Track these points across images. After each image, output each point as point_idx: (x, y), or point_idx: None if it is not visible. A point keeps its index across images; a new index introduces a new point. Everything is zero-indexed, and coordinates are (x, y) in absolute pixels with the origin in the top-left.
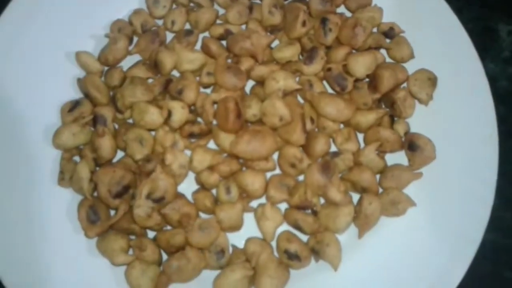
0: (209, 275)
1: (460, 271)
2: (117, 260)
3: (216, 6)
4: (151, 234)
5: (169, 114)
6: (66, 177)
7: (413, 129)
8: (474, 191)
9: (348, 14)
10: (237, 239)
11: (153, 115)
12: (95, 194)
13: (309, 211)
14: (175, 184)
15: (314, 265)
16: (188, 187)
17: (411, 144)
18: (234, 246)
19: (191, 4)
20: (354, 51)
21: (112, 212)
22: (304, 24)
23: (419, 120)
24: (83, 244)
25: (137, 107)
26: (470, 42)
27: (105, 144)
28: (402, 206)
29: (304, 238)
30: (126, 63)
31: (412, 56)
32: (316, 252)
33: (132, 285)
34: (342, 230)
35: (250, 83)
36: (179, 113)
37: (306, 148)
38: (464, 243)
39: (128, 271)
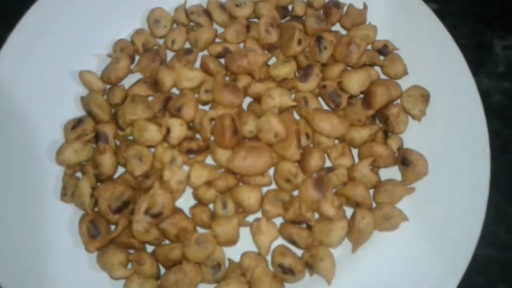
0: None
1: (452, 285)
2: (116, 274)
3: (215, 25)
4: (149, 248)
5: (168, 131)
6: (68, 192)
7: (406, 144)
8: (466, 205)
9: (343, 32)
10: (233, 252)
11: (152, 132)
12: (96, 209)
13: (304, 225)
14: (172, 200)
15: (308, 279)
16: (185, 202)
17: (403, 160)
18: (230, 260)
19: (191, 24)
20: (348, 68)
21: (113, 227)
22: (299, 42)
23: (412, 135)
24: (83, 258)
25: (137, 124)
26: (463, 59)
27: (106, 160)
28: (395, 221)
29: (299, 252)
30: (128, 81)
31: (405, 72)
32: (310, 266)
33: None
34: (336, 244)
35: (247, 100)
36: (178, 130)
37: (301, 163)
38: (456, 256)
39: (126, 285)
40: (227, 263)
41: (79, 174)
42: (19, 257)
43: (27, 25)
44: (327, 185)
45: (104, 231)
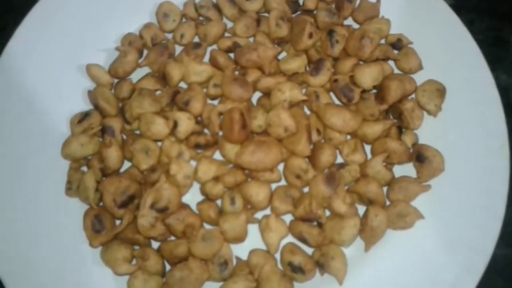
0: (211, 286)
1: (470, 286)
2: (119, 269)
3: (224, 20)
4: (155, 245)
5: (176, 124)
6: (73, 186)
7: (421, 141)
8: (484, 203)
9: (356, 26)
10: (241, 250)
11: (159, 126)
12: (101, 204)
13: (315, 223)
14: (179, 194)
15: (319, 279)
16: (192, 198)
17: (419, 156)
18: (238, 258)
19: (200, 18)
20: (361, 62)
21: (118, 223)
22: (310, 36)
23: (428, 131)
24: (87, 253)
25: (143, 118)
26: (480, 52)
27: (112, 154)
28: (410, 219)
29: (309, 251)
30: (135, 76)
31: (420, 67)
32: (320, 265)
33: None
34: (348, 242)
35: (257, 95)
36: (185, 123)
37: (311, 159)
38: (474, 256)
39: (130, 281)
40: (234, 261)
41: (84, 169)
42: (21, 252)
43: (35, 18)
44: (338, 181)
45: (109, 226)
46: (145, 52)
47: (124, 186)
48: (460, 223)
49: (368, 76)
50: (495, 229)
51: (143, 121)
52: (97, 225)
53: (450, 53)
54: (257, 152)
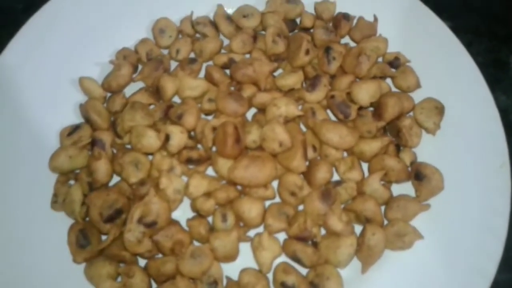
0: None
1: None
2: (103, 286)
3: (221, 37)
4: (142, 262)
5: (168, 138)
6: (59, 200)
7: (420, 160)
8: (486, 224)
9: (353, 44)
10: (232, 270)
11: (151, 138)
12: (87, 219)
13: (309, 242)
14: (168, 209)
15: None
16: (183, 214)
17: (417, 174)
18: (228, 278)
19: (197, 35)
20: (358, 80)
21: (104, 238)
22: (307, 52)
23: (426, 150)
24: (71, 269)
25: (135, 130)
26: (478, 70)
27: (101, 167)
28: (409, 239)
29: (304, 271)
30: (129, 91)
31: (418, 85)
32: (315, 286)
33: None
34: (344, 263)
35: (252, 112)
36: (178, 137)
37: (307, 176)
38: (476, 279)
39: None
40: (224, 281)
41: (72, 183)
42: (2, 265)
43: (30, 31)
44: (334, 197)
45: (94, 241)
46: (140, 68)
47: (111, 200)
48: (460, 244)
49: (365, 93)
50: (497, 251)
51: (134, 134)
52: (82, 240)
53: (448, 71)
54: (250, 167)
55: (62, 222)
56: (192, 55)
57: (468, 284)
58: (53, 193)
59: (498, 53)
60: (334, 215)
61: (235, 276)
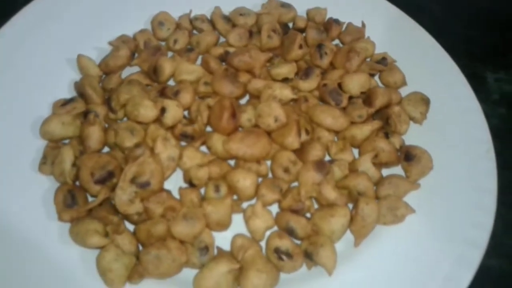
0: (188, 276)
1: (466, 278)
2: (90, 240)
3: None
4: (130, 228)
5: (163, 111)
6: (48, 161)
7: None
8: (475, 199)
9: None
10: (223, 241)
11: (147, 108)
12: (77, 184)
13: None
14: (162, 173)
15: (306, 273)
16: (174, 187)
17: (407, 155)
18: (219, 248)
19: (194, 31)
20: None
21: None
22: (301, 47)
23: (414, 139)
24: (54, 231)
25: (131, 100)
26: (458, 70)
27: (94, 133)
28: (401, 213)
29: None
30: (125, 75)
31: (404, 82)
32: (309, 256)
33: (103, 269)
34: (338, 233)
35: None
36: (173, 110)
37: (300, 155)
38: (469, 249)
39: (101, 254)
40: (215, 251)
41: None
42: None
43: (35, 8)
44: (328, 168)
45: (82, 203)
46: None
47: (104, 162)
48: (452, 218)
49: (356, 83)
50: (488, 222)
51: (130, 103)
52: (69, 200)
53: (431, 71)
54: (245, 139)
55: (47, 187)
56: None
57: (461, 254)
58: (42, 156)
59: (475, 68)
60: (328, 184)
61: (226, 247)
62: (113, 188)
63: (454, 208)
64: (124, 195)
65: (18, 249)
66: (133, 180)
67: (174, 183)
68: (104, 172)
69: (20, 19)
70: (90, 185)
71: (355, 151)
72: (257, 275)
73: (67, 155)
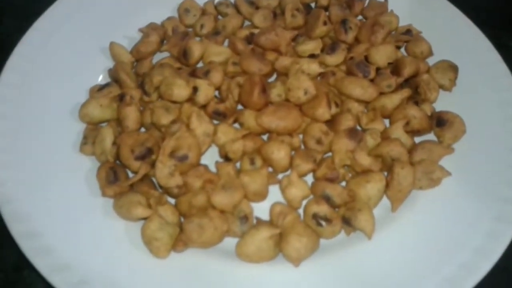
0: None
1: (508, 231)
2: (135, 212)
3: None
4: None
5: (196, 90)
6: (89, 141)
7: None
8: (509, 158)
9: None
10: (261, 212)
11: (181, 87)
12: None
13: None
14: (199, 146)
15: (345, 238)
16: (211, 162)
17: (439, 120)
18: (258, 218)
19: (219, 17)
20: None
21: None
22: (325, 23)
23: (445, 107)
24: (98, 206)
25: (165, 80)
26: (485, 37)
27: (131, 113)
28: (436, 176)
29: None
30: (155, 62)
31: (431, 52)
32: (347, 221)
33: (148, 238)
34: (374, 199)
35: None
36: (205, 88)
37: (331, 127)
38: (506, 204)
39: (145, 225)
40: (254, 221)
41: None
42: (31, 196)
43: (67, 3)
44: (361, 135)
45: (124, 179)
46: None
47: (143, 139)
48: (488, 178)
49: (382, 54)
50: None
51: (164, 83)
52: (112, 176)
53: (456, 40)
54: (277, 112)
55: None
56: None
57: (500, 211)
58: (83, 136)
59: (500, 39)
60: (362, 151)
61: (264, 218)
62: (152, 165)
63: (489, 168)
64: (164, 168)
65: (68, 227)
66: (171, 154)
67: (210, 159)
68: (144, 149)
69: (54, 12)
70: (130, 162)
71: (386, 122)
72: (298, 239)
73: (107, 134)
